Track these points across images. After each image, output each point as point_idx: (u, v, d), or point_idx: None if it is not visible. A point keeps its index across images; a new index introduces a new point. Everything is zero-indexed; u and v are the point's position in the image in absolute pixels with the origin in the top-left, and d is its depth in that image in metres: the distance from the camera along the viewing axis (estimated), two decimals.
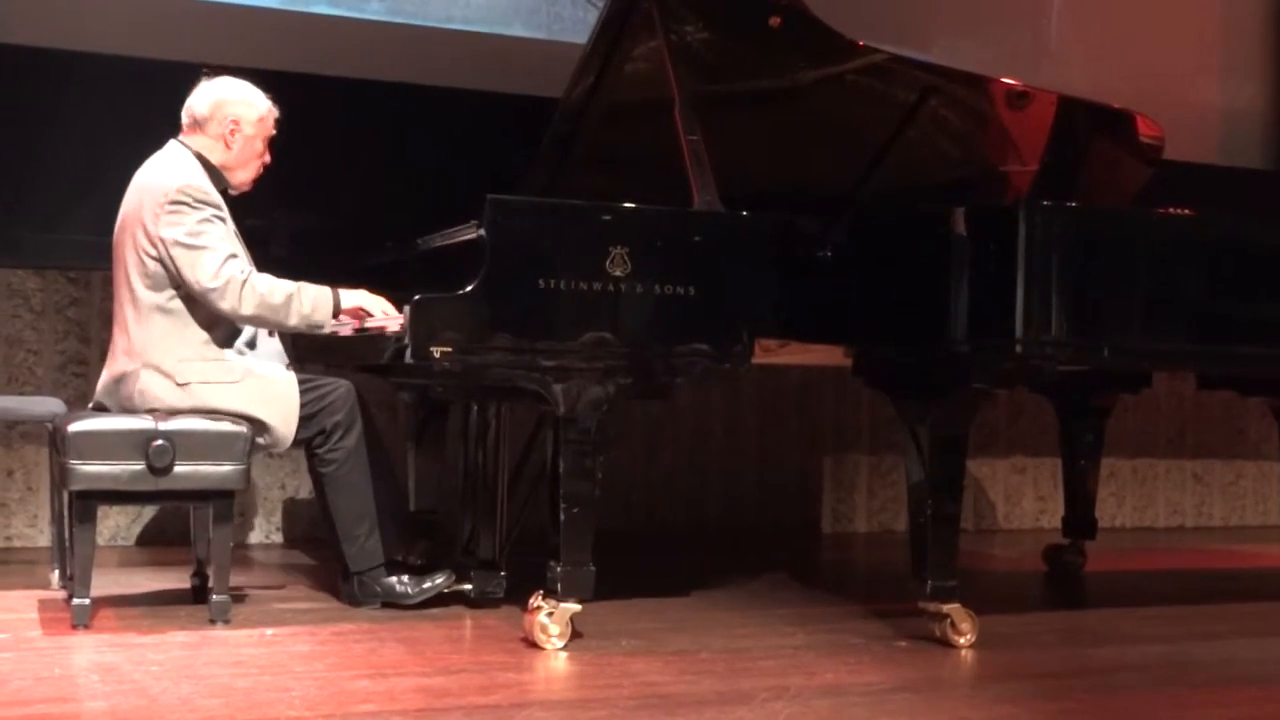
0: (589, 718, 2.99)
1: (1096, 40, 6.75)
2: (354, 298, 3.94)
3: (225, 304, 3.83)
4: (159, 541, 5.26)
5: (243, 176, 4.04)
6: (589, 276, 3.59)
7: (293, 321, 3.86)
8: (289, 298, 3.84)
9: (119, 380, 3.92)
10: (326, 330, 3.90)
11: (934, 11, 6.44)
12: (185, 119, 4.03)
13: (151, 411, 3.81)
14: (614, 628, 3.85)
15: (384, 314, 3.92)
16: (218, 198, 3.92)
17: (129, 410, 3.86)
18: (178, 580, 4.32)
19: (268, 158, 4.08)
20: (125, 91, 5.07)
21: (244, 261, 3.93)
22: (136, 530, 5.29)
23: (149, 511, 5.27)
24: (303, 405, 3.93)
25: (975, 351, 3.79)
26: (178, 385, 3.84)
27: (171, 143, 4.02)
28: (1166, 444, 7.02)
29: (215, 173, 3.98)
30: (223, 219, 3.91)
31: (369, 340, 3.93)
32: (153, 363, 3.86)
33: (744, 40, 4.15)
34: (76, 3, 5.19)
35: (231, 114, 3.99)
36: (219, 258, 3.83)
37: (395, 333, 3.74)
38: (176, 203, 3.83)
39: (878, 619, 4.13)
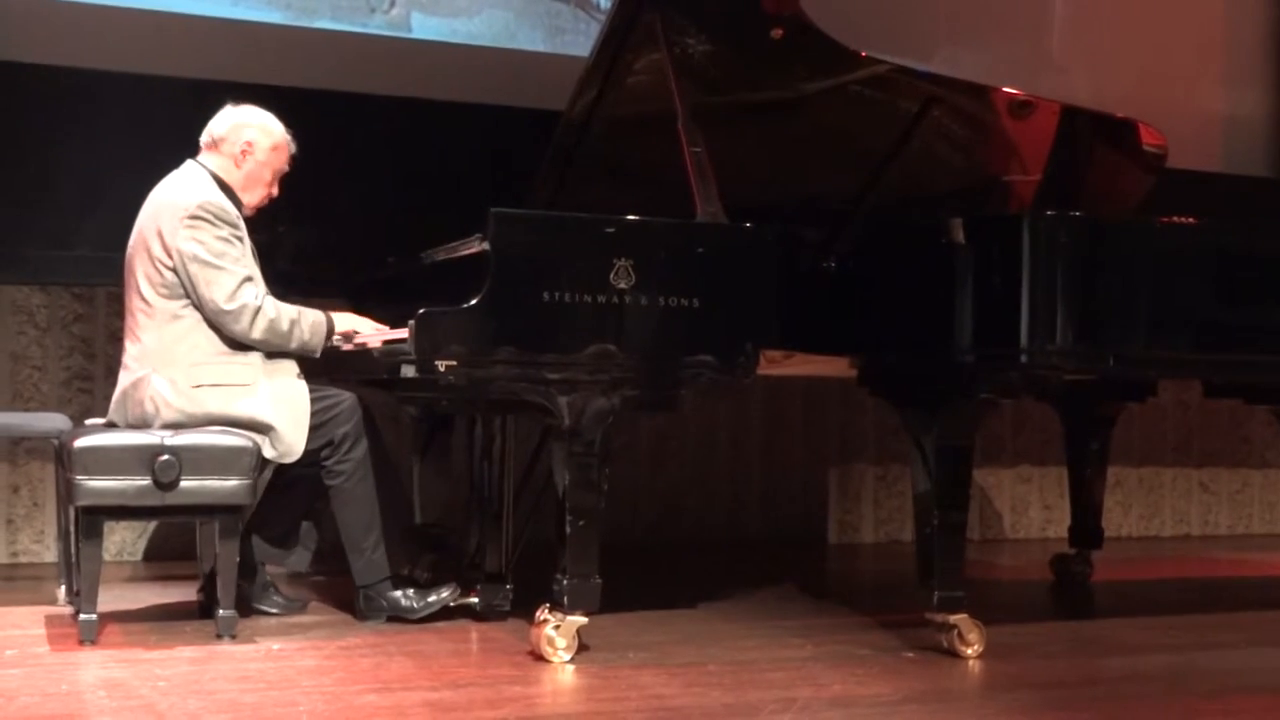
0: None
1: (1099, 49, 6.76)
2: (345, 320, 4.08)
3: (237, 327, 3.90)
4: (165, 556, 5.25)
5: (247, 200, 4.09)
6: (593, 289, 3.59)
7: (293, 346, 3.98)
8: (293, 324, 3.96)
9: (130, 388, 3.95)
10: (318, 355, 4.02)
11: (936, 21, 6.44)
12: (204, 139, 4.10)
13: (157, 417, 3.83)
14: (620, 640, 3.85)
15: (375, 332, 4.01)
16: (236, 216, 3.99)
17: (139, 419, 3.89)
18: (184, 595, 4.32)
19: (276, 190, 4.14)
20: (130, 108, 5.08)
21: (258, 285, 3.98)
22: (143, 545, 5.28)
23: (155, 526, 5.26)
24: (311, 415, 3.95)
25: (980, 361, 3.78)
26: (189, 389, 3.88)
27: (188, 162, 4.09)
28: (1172, 452, 7.01)
29: (230, 191, 4.05)
30: (240, 238, 3.98)
31: (372, 354, 3.94)
32: (165, 366, 3.90)
33: (746, 52, 4.16)
34: (81, 20, 5.20)
35: (247, 136, 4.07)
36: (235, 280, 3.90)
37: (391, 343, 3.76)
38: (196, 217, 3.91)
39: (885, 630, 4.12)
